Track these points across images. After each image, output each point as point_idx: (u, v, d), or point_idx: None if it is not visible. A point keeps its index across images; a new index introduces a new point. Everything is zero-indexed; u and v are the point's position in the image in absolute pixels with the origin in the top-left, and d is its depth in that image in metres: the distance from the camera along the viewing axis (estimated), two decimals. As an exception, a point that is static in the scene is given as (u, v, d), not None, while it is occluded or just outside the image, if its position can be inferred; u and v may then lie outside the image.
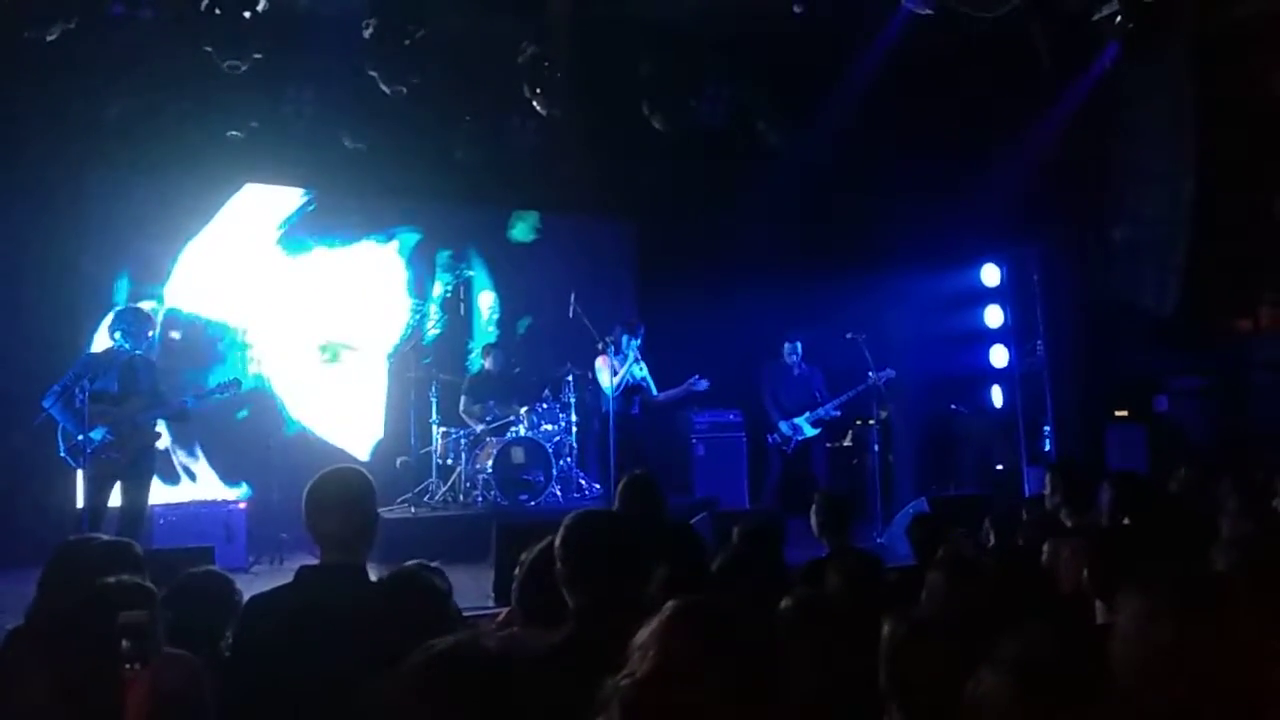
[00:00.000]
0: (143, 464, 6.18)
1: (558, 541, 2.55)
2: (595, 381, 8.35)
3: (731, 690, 1.51)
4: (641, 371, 8.28)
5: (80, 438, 5.84)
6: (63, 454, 5.98)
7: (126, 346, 6.15)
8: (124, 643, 1.99)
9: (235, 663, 2.60)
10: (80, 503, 6.36)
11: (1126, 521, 3.78)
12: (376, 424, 9.25)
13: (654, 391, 8.37)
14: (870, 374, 8.20)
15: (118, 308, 6.40)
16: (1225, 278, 8.83)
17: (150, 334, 6.30)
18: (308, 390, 8.98)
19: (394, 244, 9.51)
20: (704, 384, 8.42)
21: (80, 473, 6.11)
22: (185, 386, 7.03)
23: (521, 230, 10.03)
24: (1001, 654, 1.60)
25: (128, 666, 1.99)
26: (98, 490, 5.98)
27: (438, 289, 9.69)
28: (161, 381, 6.37)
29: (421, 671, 1.53)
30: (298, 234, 9.08)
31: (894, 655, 2.01)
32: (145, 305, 7.51)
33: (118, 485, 6.12)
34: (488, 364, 8.93)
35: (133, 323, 6.20)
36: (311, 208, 9.14)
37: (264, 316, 8.87)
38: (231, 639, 2.70)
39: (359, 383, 9.24)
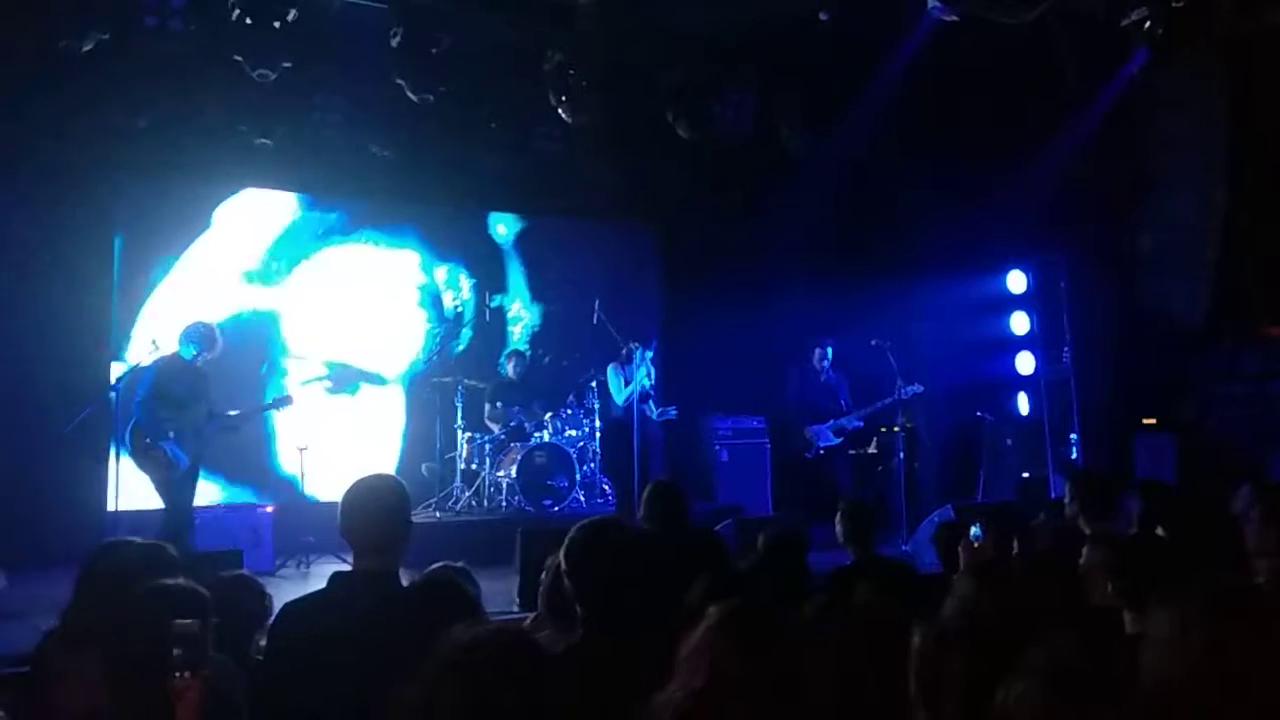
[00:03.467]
0: (196, 470, 6.46)
1: (562, 554, 2.58)
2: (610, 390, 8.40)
3: (782, 694, 1.52)
4: (648, 382, 8.28)
5: (148, 440, 6.15)
6: (128, 453, 6.25)
7: (186, 356, 6.43)
8: (176, 651, 2.00)
9: (268, 667, 2.62)
10: (110, 505, 6.53)
11: (1160, 531, 3.74)
12: (401, 430, 9.30)
13: (652, 408, 8.40)
14: (899, 386, 8.16)
15: (190, 322, 6.72)
16: (1257, 284, 8.72)
17: (215, 348, 6.56)
18: (332, 398, 9.03)
19: (420, 251, 9.55)
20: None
21: (110, 476, 6.26)
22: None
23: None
24: (1030, 661, 1.60)
25: (178, 675, 2.00)
26: (173, 490, 6.28)
27: (464, 296, 9.71)
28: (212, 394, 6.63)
29: (452, 660, 1.54)
30: (324, 240, 9.15)
31: (923, 663, 2.01)
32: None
33: (152, 487, 6.32)
34: (510, 371, 8.95)
35: (199, 336, 6.48)
36: (335, 215, 9.21)
37: (285, 324, 8.94)
38: (265, 644, 2.72)
39: (384, 389, 9.28)
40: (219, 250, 8.69)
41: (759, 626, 1.64)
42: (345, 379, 9.05)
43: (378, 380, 9.23)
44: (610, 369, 8.37)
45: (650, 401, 8.42)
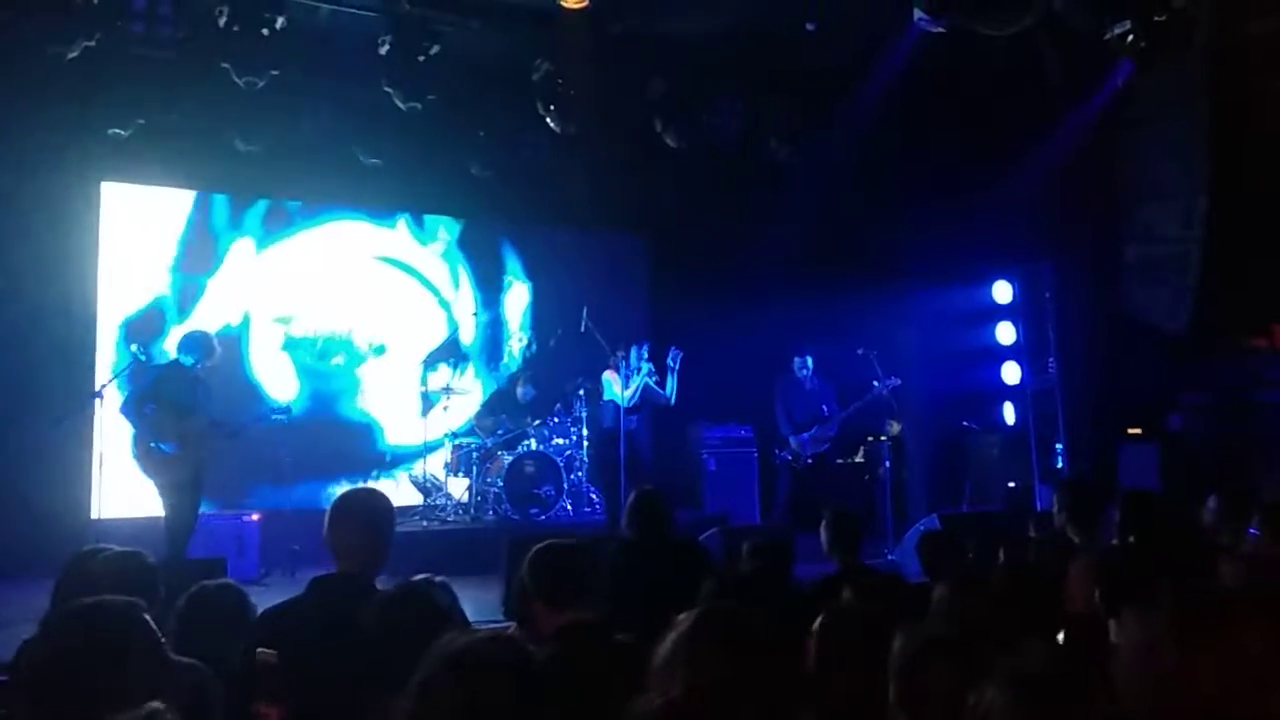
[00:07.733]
0: (200, 477, 6.46)
1: (525, 574, 2.69)
2: (602, 395, 8.33)
3: (763, 699, 1.52)
4: (653, 379, 8.18)
5: (152, 445, 6.16)
6: (134, 459, 6.27)
7: (186, 363, 6.44)
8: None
9: (247, 673, 2.62)
10: (93, 514, 6.50)
11: (1133, 540, 3.77)
12: (389, 439, 9.28)
13: (670, 398, 8.27)
14: (876, 383, 8.17)
15: (186, 331, 6.79)
16: (1239, 295, 8.78)
17: (214, 356, 6.57)
18: (322, 405, 9.01)
19: (406, 256, 9.55)
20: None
21: (94, 484, 6.24)
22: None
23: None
24: (1002, 668, 1.61)
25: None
26: (180, 494, 6.30)
27: (454, 311, 9.70)
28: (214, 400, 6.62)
29: (446, 666, 1.55)
30: (310, 249, 9.14)
31: (903, 670, 2.02)
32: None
33: (157, 492, 6.34)
34: (519, 394, 8.88)
35: (197, 344, 6.50)
36: (322, 222, 9.20)
37: (280, 329, 8.93)
38: (244, 650, 2.73)
39: (371, 398, 9.27)
40: (197, 249, 8.67)
41: (734, 632, 1.64)
42: (328, 347, 9.05)
43: (359, 349, 9.21)
44: (604, 377, 8.32)
45: (656, 400, 8.28)
